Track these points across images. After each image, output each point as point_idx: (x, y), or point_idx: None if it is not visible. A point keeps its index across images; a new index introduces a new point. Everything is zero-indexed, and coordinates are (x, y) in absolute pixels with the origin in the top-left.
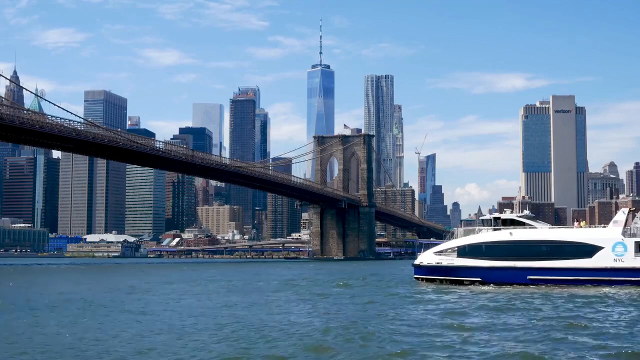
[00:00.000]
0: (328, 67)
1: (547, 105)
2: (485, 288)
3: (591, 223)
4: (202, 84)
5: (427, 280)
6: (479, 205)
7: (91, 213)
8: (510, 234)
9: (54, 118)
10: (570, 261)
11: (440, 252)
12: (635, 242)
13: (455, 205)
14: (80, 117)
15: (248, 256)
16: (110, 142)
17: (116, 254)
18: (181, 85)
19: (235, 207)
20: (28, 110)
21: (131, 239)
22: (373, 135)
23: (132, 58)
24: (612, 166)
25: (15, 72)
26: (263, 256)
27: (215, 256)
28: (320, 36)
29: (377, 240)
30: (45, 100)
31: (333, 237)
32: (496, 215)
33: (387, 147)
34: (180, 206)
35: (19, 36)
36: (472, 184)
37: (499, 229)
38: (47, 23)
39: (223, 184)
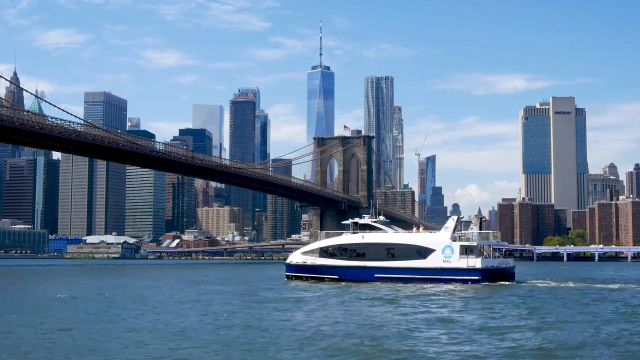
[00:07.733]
0: (328, 68)
1: (547, 107)
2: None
3: (591, 225)
4: (202, 85)
5: (296, 277)
6: (479, 207)
7: (91, 214)
8: (362, 237)
9: (54, 119)
10: (408, 262)
11: (306, 253)
12: (461, 246)
13: (455, 206)
14: (80, 119)
15: (248, 257)
16: (110, 143)
17: (116, 256)
18: (182, 87)
19: (235, 208)
20: (28, 111)
21: (131, 241)
22: (373, 137)
23: (132, 59)
24: (612, 167)
25: (15, 74)
26: (263, 257)
27: (215, 257)
28: (321, 37)
29: None
30: (45, 101)
31: None
32: (355, 220)
33: (387, 148)
34: (180, 207)
35: (19, 37)
36: (473, 185)
37: (357, 233)
38: (47, 24)
39: (223, 186)
